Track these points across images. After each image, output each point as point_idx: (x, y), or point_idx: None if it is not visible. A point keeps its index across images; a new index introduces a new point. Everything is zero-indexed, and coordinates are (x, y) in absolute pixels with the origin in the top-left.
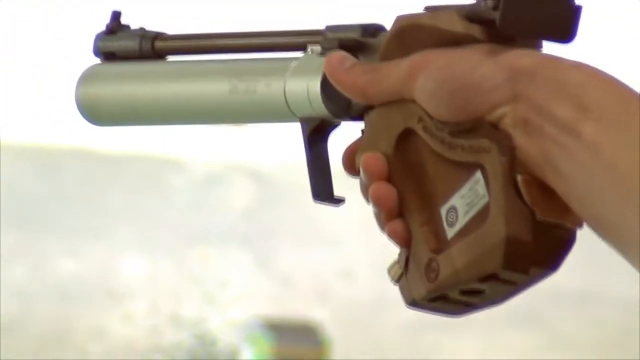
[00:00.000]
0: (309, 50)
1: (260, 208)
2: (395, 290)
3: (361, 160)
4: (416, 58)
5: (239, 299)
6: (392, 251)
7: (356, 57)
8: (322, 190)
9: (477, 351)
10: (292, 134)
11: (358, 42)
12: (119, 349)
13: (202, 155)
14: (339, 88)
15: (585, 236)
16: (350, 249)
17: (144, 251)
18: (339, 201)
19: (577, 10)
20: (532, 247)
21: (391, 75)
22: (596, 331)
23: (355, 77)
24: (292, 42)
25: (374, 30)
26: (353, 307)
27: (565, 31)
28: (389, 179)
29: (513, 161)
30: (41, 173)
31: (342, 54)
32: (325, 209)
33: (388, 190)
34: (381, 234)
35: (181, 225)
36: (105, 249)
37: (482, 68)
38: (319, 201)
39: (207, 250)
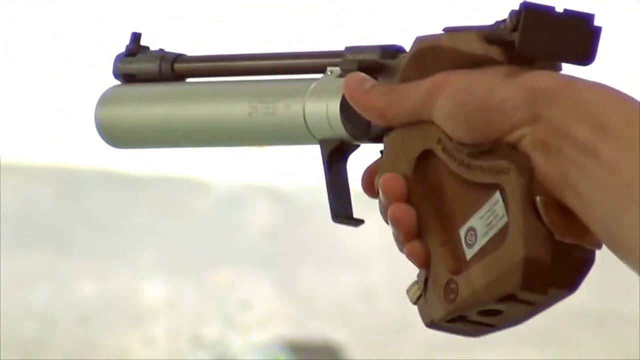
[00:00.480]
0: (328, 71)
1: (281, 229)
2: (415, 312)
3: (380, 181)
4: (435, 79)
5: (259, 320)
6: (413, 273)
7: (375, 78)
8: (342, 211)
9: None
10: (313, 155)
11: (377, 63)
12: None
13: (224, 177)
14: (358, 110)
15: (607, 256)
16: (371, 271)
17: (166, 273)
18: (358, 222)
19: (596, 32)
20: (550, 267)
21: (410, 96)
22: (619, 352)
23: (375, 98)
24: (312, 64)
25: (393, 51)
26: (374, 328)
27: (585, 53)
28: (408, 200)
29: (532, 182)
30: (63, 195)
31: (362, 75)
32: (346, 231)
33: (407, 211)
34: (402, 255)
35: (203, 247)
36: (127, 271)
37: (501, 89)
38: (338, 222)
39: (229, 272)
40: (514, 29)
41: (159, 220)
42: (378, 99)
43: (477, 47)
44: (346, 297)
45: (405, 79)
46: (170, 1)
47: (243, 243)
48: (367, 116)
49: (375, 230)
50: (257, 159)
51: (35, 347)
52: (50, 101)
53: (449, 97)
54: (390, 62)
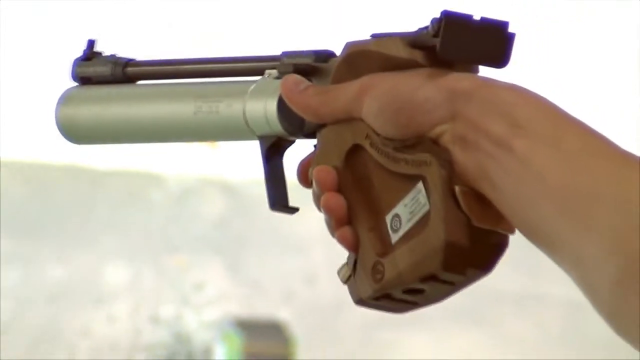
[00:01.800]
0: (266, 74)
1: (231, 219)
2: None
3: (314, 173)
4: (364, 81)
5: (212, 301)
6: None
7: (309, 80)
8: (278, 200)
9: (429, 348)
10: (258, 151)
11: (311, 66)
12: (104, 348)
13: (178, 171)
14: (293, 108)
15: (526, 241)
16: (311, 256)
17: (127, 258)
18: (293, 210)
19: (510, 38)
20: (468, 250)
21: (341, 96)
22: (537, 331)
23: (309, 98)
24: (251, 67)
25: (325, 55)
26: (315, 308)
27: (500, 57)
28: (339, 190)
29: (451, 174)
30: (33, 188)
31: (297, 77)
32: (289, 220)
33: (338, 200)
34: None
35: (160, 234)
36: (91, 256)
37: (424, 90)
38: (275, 210)
39: (183, 256)
40: (435, 35)
41: (119, 210)
42: (312, 98)
43: (403, 52)
44: (290, 280)
45: (337, 80)
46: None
47: (196, 231)
48: (301, 114)
49: (315, 219)
50: (208, 154)
51: (7, 326)
52: (43, 120)
53: (376, 97)
54: (323, 65)
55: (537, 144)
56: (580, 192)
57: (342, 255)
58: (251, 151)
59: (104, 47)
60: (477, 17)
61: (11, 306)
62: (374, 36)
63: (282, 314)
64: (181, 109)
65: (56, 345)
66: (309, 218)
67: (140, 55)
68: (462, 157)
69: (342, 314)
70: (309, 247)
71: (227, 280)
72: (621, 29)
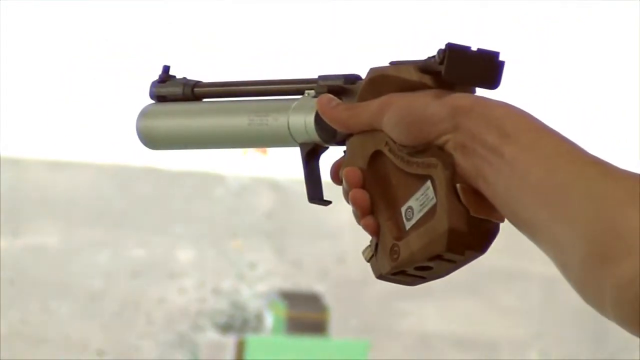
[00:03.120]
0: (306, 93)
1: (277, 211)
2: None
3: (343, 173)
4: (384, 99)
5: (262, 277)
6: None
7: (340, 98)
8: (315, 195)
9: (435, 315)
10: (299, 156)
11: (342, 87)
12: (175, 314)
13: (236, 172)
14: (327, 121)
15: (513, 228)
16: (342, 241)
17: (194, 242)
18: (327, 202)
19: (501, 65)
20: (467, 235)
21: (365, 112)
22: (521, 301)
23: (339, 113)
24: (294, 88)
25: (353, 78)
26: (345, 283)
27: (493, 80)
28: (363, 187)
29: (453, 174)
30: (119, 185)
31: (330, 96)
32: (323, 212)
33: (362, 195)
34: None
35: (221, 223)
36: (165, 241)
37: (432, 107)
38: (313, 202)
39: (240, 241)
40: (441, 63)
41: (188, 204)
42: (342, 113)
43: (415, 76)
44: (324, 260)
45: (362, 98)
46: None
47: (250, 220)
48: (334, 126)
49: (344, 212)
50: (260, 159)
51: (99, 296)
52: (126, 126)
53: (394, 112)
54: (351, 86)
55: (522, 150)
56: (556, 188)
57: (365, 240)
58: (294, 157)
59: (105, 46)
60: (474, 48)
61: (101, 281)
62: (392, 63)
63: (318, 287)
64: (238, 122)
65: (137, 312)
66: (339, 211)
67: (143, 53)
68: (462, 160)
69: (366, 288)
70: (339, 234)
71: (274, 260)
72: (622, 29)
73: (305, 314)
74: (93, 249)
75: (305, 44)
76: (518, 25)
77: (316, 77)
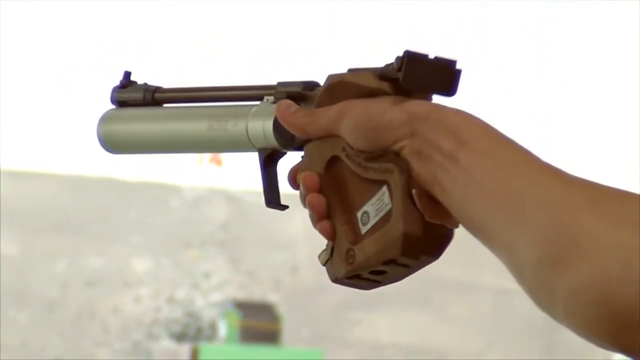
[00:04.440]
0: (265, 99)
1: (232, 222)
2: (329, 281)
3: (301, 177)
4: (342, 105)
5: (217, 286)
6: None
7: (299, 104)
8: (273, 199)
9: (387, 325)
10: (255, 168)
11: (300, 94)
12: (131, 323)
13: (192, 183)
14: (285, 127)
15: (467, 237)
16: (296, 252)
17: (150, 252)
18: (284, 207)
19: (457, 73)
20: (421, 240)
21: (323, 117)
22: (472, 311)
23: (298, 119)
24: (253, 94)
25: (312, 85)
26: (298, 292)
27: (449, 88)
28: (320, 191)
29: (409, 179)
30: (77, 196)
31: (289, 102)
32: (278, 223)
33: (319, 199)
34: (319, 237)
35: (177, 233)
36: (122, 250)
37: (389, 113)
38: (270, 207)
39: (195, 251)
40: (399, 70)
41: (144, 214)
42: (300, 119)
43: (373, 83)
44: (278, 270)
45: (320, 104)
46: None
47: (205, 231)
48: (292, 131)
49: (298, 222)
50: (215, 170)
51: (55, 304)
52: (85, 136)
53: (351, 118)
54: (309, 93)
55: (477, 157)
56: (511, 195)
57: (319, 250)
58: (249, 168)
59: (105, 46)
60: (432, 55)
61: (58, 290)
62: (350, 70)
63: (272, 297)
64: (197, 127)
65: (93, 320)
66: (293, 222)
67: (139, 54)
68: (418, 166)
69: (319, 298)
70: (293, 244)
71: (228, 270)
72: (620, 31)
73: (259, 324)
74: (50, 258)
75: (305, 44)
76: (518, 25)
77: (276, 83)
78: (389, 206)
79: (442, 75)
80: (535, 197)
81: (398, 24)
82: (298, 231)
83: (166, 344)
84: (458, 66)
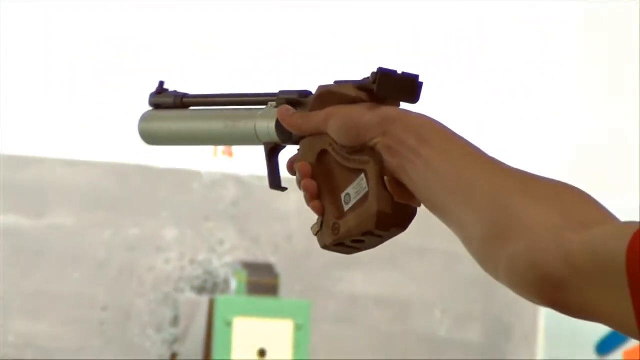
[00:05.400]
0: (269, 104)
1: (241, 200)
2: (318, 246)
3: (297, 166)
4: (329, 110)
5: (229, 251)
6: (315, 220)
7: (295, 109)
8: (275, 183)
9: (362, 281)
10: (260, 159)
11: (297, 100)
12: (161, 279)
13: (209, 170)
14: (285, 126)
15: (423, 211)
16: (291, 224)
17: (176, 224)
18: (284, 189)
19: (420, 85)
20: (392, 216)
21: (315, 119)
22: (429, 271)
23: (295, 120)
24: (260, 100)
25: (306, 94)
26: (293, 255)
27: (414, 97)
28: (312, 177)
29: (382, 169)
30: (117, 179)
31: (288, 107)
32: (277, 202)
33: (311, 183)
34: (309, 211)
35: (197, 210)
36: (154, 223)
37: (366, 116)
38: (273, 189)
39: (212, 224)
40: (374, 82)
41: (173, 194)
42: (297, 120)
43: (353, 92)
44: (277, 238)
45: (313, 109)
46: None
47: (220, 208)
48: (290, 130)
49: (293, 201)
50: (227, 160)
51: (103, 265)
52: (125, 128)
53: (336, 120)
54: (304, 99)
55: (435, 151)
56: (462, 182)
57: (309, 222)
58: (255, 159)
59: (105, 46)
60: (400, 71)
61: (104, 252)
62: (336, 82)
63: (272, 259)
64: (216, 126)
65: (132, 277)
66: (288, 201)
67: (143, 53)
68: (389, 158)
69: (309, 260)
70: (288, 218)
71: (237, 238)
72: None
73: (262, 280)
74: (98, 228)
75: (305, 44)
76: (517, 24)
77: (277, 92)
78: (366, 190)
79: (408, 87)
80: (480, 184)
81: (398, 24)
82: (293, 208)
83: (189, 295)
84: (421, 80)
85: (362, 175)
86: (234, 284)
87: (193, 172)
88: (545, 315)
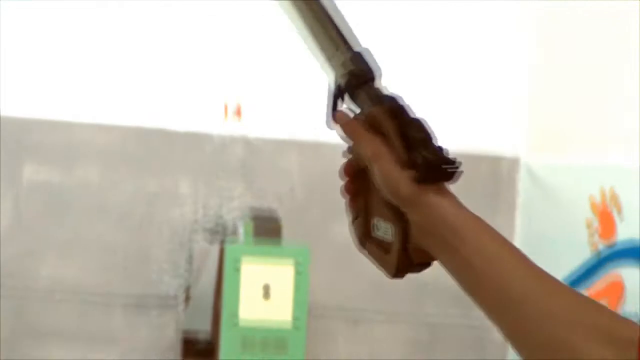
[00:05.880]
0: (343, 59)
1: (249, 160)
2: (316, 197)
3: (344, 166)
4: (376, 150)
5: (237, 206)
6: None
7: (357, 90)
8: (329, 123)
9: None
10: (264, 122)
11: (364, 80)
12: (178, 229)
13: (220, 132)
14: (343, 133)
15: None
16: (292, 178)
17: (191, 181)
18: (332, 128)
19: (460, 171)
20: (408, 271)
21: (362, 149)
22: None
23: (347, 130)
24: (343, 46)
25: (372, 77)
26: (294, 205)
27: (451, 179)
28: (356, 178)
29: (406, 238)
30: (137, 142)
31: (344, 114)
32: (279, 159)
33: (350, 185)
34: (309, 167)
35: (210, 167)
36: (171, 179)
37: (406, 189)
38: (327, 126)
39: (222, 181)
40: (418, 169)
41: (187, 154)
42: (349, 132)
43: (404, 156)
44: (280, 190)
45: (364, 125)
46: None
47: (230, 166)
48: (344, 135)
49: (294, 157)
50: (237, 123)
51: (125, 215)
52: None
53: (378, 171)
54: (364, 86)
55: (475, 252)
56: (510, 302)
57: (309, 177)
58: (261, 123)
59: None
60: (444, 153)
61: (126, 205)
62: (393, 107)
63: (274, 206)
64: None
65: (151, 227)
66: (291, 159)
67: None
68: (420, 236)
69: (308, 209)
70: (290, 172)
71: (245, 191)
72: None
73: (266, 226)
74: (121, 184)
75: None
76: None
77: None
78: (391, 242)
79: (448, 173)
80: (532, 307)
81: (398, 24)
82: (294, 165)
83: (202, 244)
84: (458, 166)
85: (392, 226)
86: (241, 231)
87: (205, 135)
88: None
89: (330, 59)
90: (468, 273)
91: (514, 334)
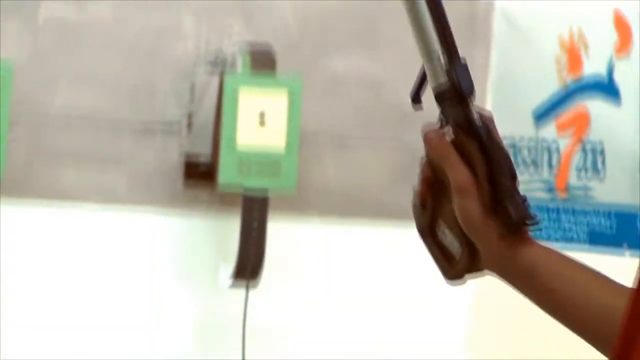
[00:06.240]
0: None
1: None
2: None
3: (423, 168)
4: (463, 183)
5: (237, 39)
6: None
7: (444, 99)
8: (417, 98)
9: (344, 65)
10: None
11: (459, 97)
12: (183, 58)
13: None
14: (429, 148)
15: None
16: (289, 18)
17: (195, 18)
18: (420, 108)
19: (536, 225)
20: (463, 277)
21: (448, 174)
22: (405, 57)
23: (432, 149)
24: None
25: (468, 93)
26: (288, 42)
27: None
28: (434, 177)
29: (472, 263)
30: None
31: (433, 130)
32: (280, 7)
33: (424, 188)
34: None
35: (213, 7)
36: (177, 17)
37: (490, 246)
38: (415, 106)
39: (223, 18)
40: (508, 228)
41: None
42: (435, 152)
43: (488, 202)
44: (276, 28)
45: (455, 145)
46: None
47: (231, 6)
48: (429, 148)
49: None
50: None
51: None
52: None
53: (460, 211)
54: (455, 99)
55: (562, 298)
56: (580, 303)
57: (303, 16)
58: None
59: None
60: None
61: (137, 37)
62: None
63: (271, 41)
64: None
65: (159, 58)
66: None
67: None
68: (487, 266)
69: (301, 45)
70: (285, 14)
71: (245, 30)
72: None
73: (263, 59)
74: (131, 20)
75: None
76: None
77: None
78: (454, 255)
79: (528, 227)
80: (594, 309)
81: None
82: (289, 5)
83: (204, 76)
84: (539, 222)
85: (458, 243)
86: (239, 62)
87: None
88: (491, 87)
89: (436, 60)
90: (547, 298)
91: (600, 344)
